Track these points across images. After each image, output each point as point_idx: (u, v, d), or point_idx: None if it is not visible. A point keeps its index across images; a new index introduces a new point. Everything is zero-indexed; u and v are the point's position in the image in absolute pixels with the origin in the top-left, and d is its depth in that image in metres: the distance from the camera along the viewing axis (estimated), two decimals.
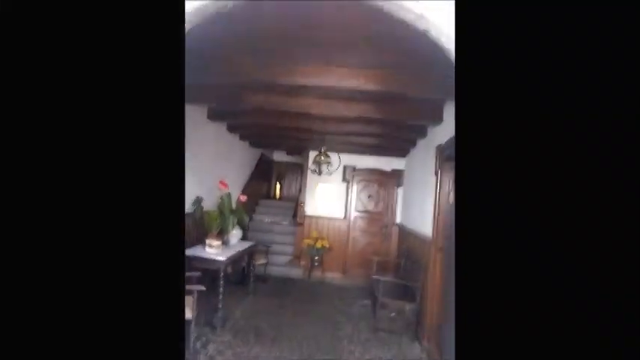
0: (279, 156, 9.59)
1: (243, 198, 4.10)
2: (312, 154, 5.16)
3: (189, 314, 2.93)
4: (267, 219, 7.55)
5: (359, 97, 3.51)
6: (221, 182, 3.90)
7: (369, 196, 6.71)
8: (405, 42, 2.13)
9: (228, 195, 3.98)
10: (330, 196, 6.80)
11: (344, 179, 6.74)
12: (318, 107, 3.68)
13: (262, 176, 8.57)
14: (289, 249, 6.77)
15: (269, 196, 9.32)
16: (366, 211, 6.73)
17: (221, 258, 3.67)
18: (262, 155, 8.34)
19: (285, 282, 5.96)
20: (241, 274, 5.44)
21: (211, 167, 5.10)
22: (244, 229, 4.43)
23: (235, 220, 3.72)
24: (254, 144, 7.33)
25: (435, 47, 1.39)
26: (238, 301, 4.65)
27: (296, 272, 6.38)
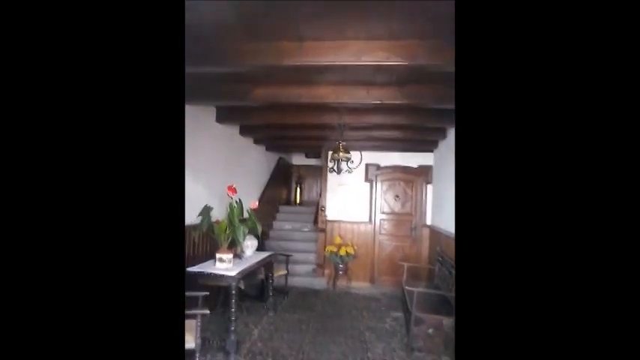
0: (298, 159, 9.17)
1: (255, 204, 3.68)
2: (331, 154, 4.67)
3: (191, 343, 2.51)
4: (287, 226, 7.13)
5: (380, 79, 3.02)
6: (229, 188, 3.49)
7: (396, 196, 6.17)
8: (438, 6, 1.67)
9: (239, 202, 3.56)
10: (353, 199, 6.31)
11: (367, 179, 6.24)
12: (334, 95, 3.21)
13: (281, 181, 8.17)
14: (312, 257, 6.30)
15: (289, 201, 8.91)
16: (392, 213, 6.19)
17: (231, 273, 3.25)
18: (280, 159, 7.94)
19: (308, 294, 5.50)
20: (260, 288, 5.02)
21: (223, 174, 4.72)
22: (259, 238, 3.99)
23: (246, 230, 3.29)
24: (270, 148, 6.94)
25: None
26: (256, 319, 4.22)
27: (319, 282, 5.91)
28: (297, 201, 8.95)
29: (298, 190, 9.02)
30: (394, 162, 6.13)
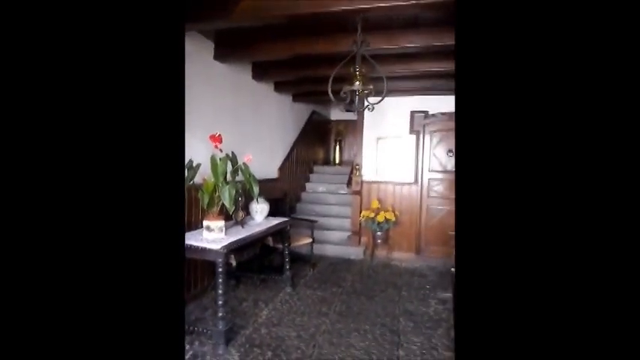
0: (337, 114, 8.16)
1: (249, 158, 2.86)
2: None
3: None
4: (321, 188, 6.33)
5: None
6: (212, 137, 2.69)
7: (449, 151, 5.01)
8: None
9: (230, 155, 2.78)
10: (395, 155, 5.26)
11: (412, 130, 5.12)
12: (345, 1, 2.20)
13: (315, 138, 7.28)
14: (348, 223, 5.47)
15: (327, 161, 8.04)
16: (444, 171, 5.07)
17: (216, 246, 2.53)
18: (313, 113, 7.00)
19: (340, 265, 4.72)
20: (277, 259, 4.34)
21: (231, 127, 3.95)
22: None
23: (233, 191, 2.51)
24: (297, 98, 6.00)
25: None
26: (269, 297, 3.55)
27: (356, 252, 5.10)
28: (337, 160, 8.05)
29: (337, 148, 8.09)
30: (447, 108, 4.91)
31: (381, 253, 5.08)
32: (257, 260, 4.23)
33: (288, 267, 3.75)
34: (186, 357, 2.46)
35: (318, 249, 4.97)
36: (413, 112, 5.05)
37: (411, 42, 3.03)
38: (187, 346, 2.58)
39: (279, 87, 5.20)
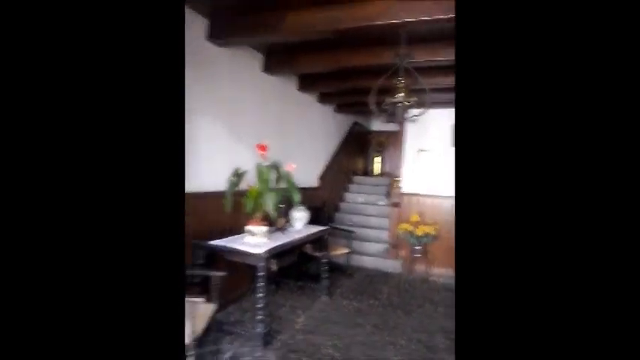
0: (379, 125, 8.16)
1: (291, 167, 2.96)
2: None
3: (187, 336, 1.96)
4: (360, 198, 6.34)
5: None
6: (259, 146, 2.82)
7: None
8: None
9: (274, 164, 2.89)
10: (436, 168, 5.17)
11: (454, 143, 5.02)
12: (389, 13, 2.25)
13: (356, 149, 7.33)
14: (386, 235, 5.43)
15: (367, 172, 8.04)
16: None
17: (258, 250, 2.63)
18: (355, 124, 7.06)
19: (377, 277, 4.69)
20: (314, 267, 4.38)
21: (276, 135, 4.10)
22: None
23: (276, 198, 2.61)
24: (340, 108, 6.10)
25: None
26: (306, 304, 3.60)
27: (393, 265, 5.04)
28: (377, 171, 8.02)
29: (378, 159, 8.07)
30: None
31: (420, 267, 4.99)
32: (295, 267, 4.32)
33: (325, 276, 3.79)
34: (227, 356, 2.57)
35: (355, 260, 4.98)
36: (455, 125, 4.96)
37: (453, 54, 3.02)
38: (228, 346, 2.68)
39: (323, 98, 5.32)
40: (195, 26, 2.86)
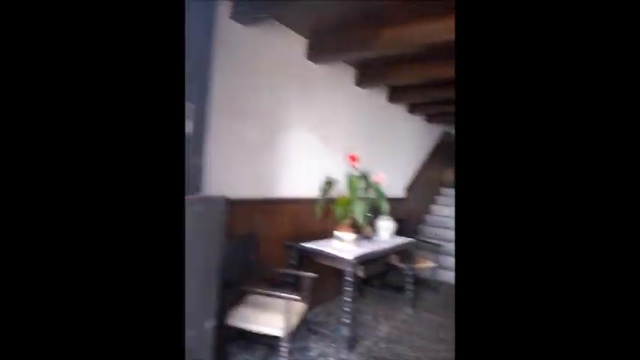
0: None
1: (380, 177, 3.03)
2: None
3: (279, 329, 2.16)
4: (447, 211, 6.11)
5: None
6: (350, 156, 2.96)
7: None
8: None
9: (364, 175, 3.00)
10: None
11: None
12: None
13: (445, 160, 7.07)
14: None
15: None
16: None
17: (347, 256, 2.75)
18: (444, 134, 6.85)
19: None
20: (398, 278, 4.36)
21: (364, 145, 4.22)
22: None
23: (365, 207, 2.71)
24: (431, 118, 5.98)
25: None
26: (390, 314, 3.62)
27: None
28: None
29: None
30: None
31: None
32: (380, 276, 4.35)
33: (410, 288, 3.76)
34: (313, 354, 2.73)
35: (439, 274, 4.82)
36: None
37: None
38: (314, 345, 2.84)
39: (413, 108, 5.29)
40: (296, 46, 3.13)
